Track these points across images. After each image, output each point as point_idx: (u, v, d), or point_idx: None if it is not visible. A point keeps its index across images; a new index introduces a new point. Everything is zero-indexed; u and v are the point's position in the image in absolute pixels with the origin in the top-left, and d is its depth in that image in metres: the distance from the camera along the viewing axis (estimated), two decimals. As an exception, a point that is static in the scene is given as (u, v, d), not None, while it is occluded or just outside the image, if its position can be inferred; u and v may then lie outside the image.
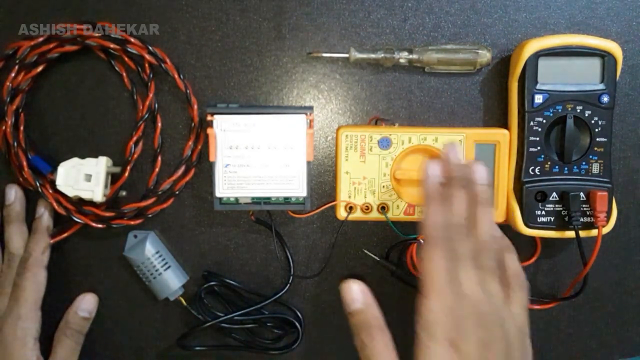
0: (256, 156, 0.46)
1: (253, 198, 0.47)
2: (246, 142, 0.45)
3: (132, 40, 0.47)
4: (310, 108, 0.45)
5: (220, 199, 0.46)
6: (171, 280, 0.49)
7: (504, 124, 0.48)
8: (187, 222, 0.50)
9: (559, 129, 0.46)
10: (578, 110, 0.45)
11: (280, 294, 0.50)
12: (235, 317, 0.49)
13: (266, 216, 0.50)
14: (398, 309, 0.52)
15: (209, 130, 0.45)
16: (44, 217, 0.48)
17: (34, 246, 0.47)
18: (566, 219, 0.46)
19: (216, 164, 0.45)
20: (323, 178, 0.50)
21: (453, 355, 0.34)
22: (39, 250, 0.47)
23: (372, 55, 0.47)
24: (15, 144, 0.47)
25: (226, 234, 0.51)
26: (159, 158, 0.48)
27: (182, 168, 0.48)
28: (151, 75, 0.48)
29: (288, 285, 0.50)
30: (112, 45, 0.46)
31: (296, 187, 0.46)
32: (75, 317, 0.49)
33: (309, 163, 0.46)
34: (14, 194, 0.48)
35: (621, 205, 0.49)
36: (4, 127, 0.47)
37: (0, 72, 0.47)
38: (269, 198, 0.46)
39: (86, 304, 0.50)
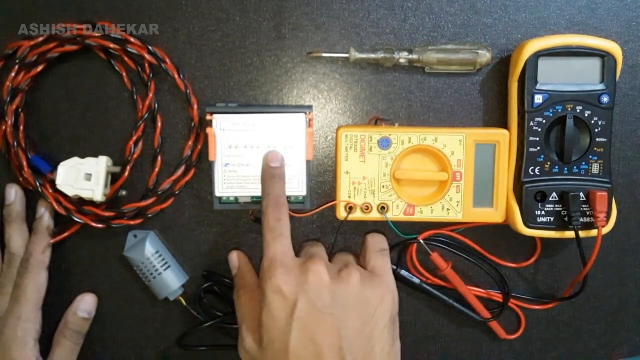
0: (256, 155, 0.46)
1: (253, 197, 0.47)
2: (246, 142, 0.45)
3: (132, 40, 0.47)
4: (310, 107, 0.45)
5: (220, 198, 0.46)
6: (171, 280, 0.49)
7: (504, 124, 0.48)
8: (187, 222, 0.50)
9: (559, 129, 0.46)
10: (578, 111, 0.45)
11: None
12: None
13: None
14: (398, 309, 0.52)
15: (208, 130, 0.45)
16: (45, 217, 0.48)
17: (35, 247, 0.47)
18: (566, 219, 0.46)
19: (216, 164, 0.45)
20: (323, 178, 0.50)
21: (281, 298, 0.38)
22: (40, 251, 0.47)
23: (372, 56, 0.47)
24: (15, 143, 0.47)
25: (226, 234, 0.51)
26: (159, 158, 0.48)
27: (182, 168, 0.48)
28: (151, 75, 0.48)
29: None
30: (112, 45, 0.46)
31: (296, 186, 0.46)
32: (74, 318, 0.49)
33: (308, 162, 0.46)
34: (14, 193, 0.48)
35: (621, 206, 0.49)
36: (4, 127, 0.47)
37: (0, 72, 0.47)
38: None
39: (85, 305, 0.50)
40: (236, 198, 0.47)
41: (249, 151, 0.45)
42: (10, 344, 0.45)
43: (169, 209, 0.49)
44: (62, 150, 0.49)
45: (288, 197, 0.46)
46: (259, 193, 0.46)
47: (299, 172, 0.46)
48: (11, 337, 0.45)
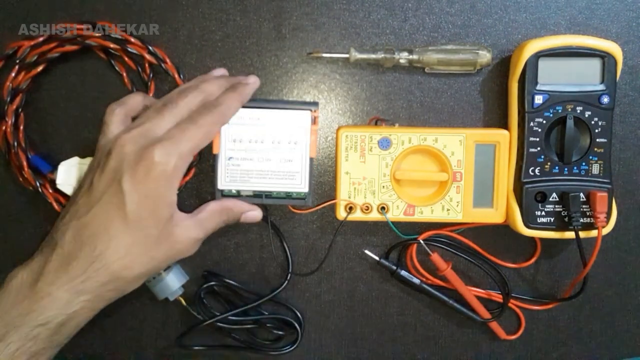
0: (259, 150, 0.45)
1: (254, 191, 0.46)
2: (250, 136, 0.45)
3: (132, 40, 0.47)
4: (316, 104, 0.45)
5: (222, 191, 0.46)
6: (171, 280, 0.49)
7: (504, 125, 0.48)
8: (187, 222, 0.50)
9: (559, 129, 0.46)
10: (578, 111, 0.45)
11: (277, 291, 0.50)
12: (235, 318, 0.49)
13: (264, 212, 0.50)
14: (398, 309, 0.52)
15: None
16: (252, 81, 0.45)
17: (229, 98, 0.43)
18: (566, 219, 0.46)
19: (219, 156, 0.45)
20: (323, 178, 0.50)
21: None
22: (234, 106, 0.43)
23: (372, 56, 0.47)
24: (15, 143, 0.47)
25: (226, 234, 0.51)
26: (159, 158, 0.48)
27: (182, 168, 0.48)
28: (151, 75, 0.48)
29: (286, 282, 0.50)
30: (112, 45, 0.46)
31: (298, 182, 0.46)
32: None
33: (312, 160, 0.46)
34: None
35: (621, 206, 0.49)
36: (4, 127, 0.47)
37: (0, 72, 0.47)
38: (270, 192, 0.46)
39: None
40: (238, 191, 0.46)
41: (253, 145, 0.45)
42: (159, 174, 0.38)
43: (169, 209, 0.49)
44: (62, 150, 0.49)
45: (290, 193, 0.46)
46: (261, 187, 0.46)
47: (302, 169, 0.46)
48: (162, 164, 0.38)
